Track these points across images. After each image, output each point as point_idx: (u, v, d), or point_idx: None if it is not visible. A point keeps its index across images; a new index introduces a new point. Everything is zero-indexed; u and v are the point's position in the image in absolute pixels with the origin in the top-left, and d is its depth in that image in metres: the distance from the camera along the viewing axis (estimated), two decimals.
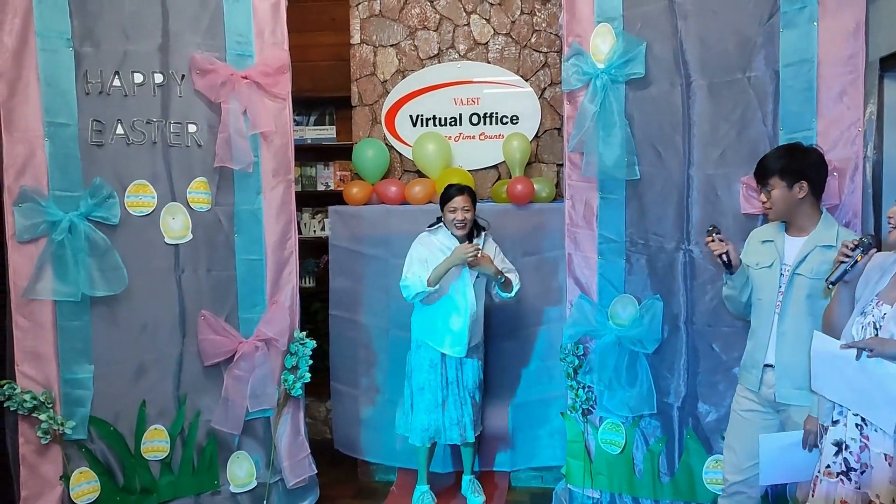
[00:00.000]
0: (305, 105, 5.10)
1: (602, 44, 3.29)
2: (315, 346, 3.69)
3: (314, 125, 5.11)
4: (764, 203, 2.64)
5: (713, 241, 2.69)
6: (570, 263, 3.50)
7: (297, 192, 5.11)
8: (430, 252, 3.56)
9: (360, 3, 4.33)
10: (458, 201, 3.54)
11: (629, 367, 3.32)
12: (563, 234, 3.68)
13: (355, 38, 4.35)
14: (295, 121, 5.13)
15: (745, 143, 2.99)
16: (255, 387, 3.51)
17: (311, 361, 3.67)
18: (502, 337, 4.04)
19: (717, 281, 3.09)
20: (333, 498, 3.93)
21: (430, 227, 3.66)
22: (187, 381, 3.44)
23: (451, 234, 3.60)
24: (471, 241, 3.57)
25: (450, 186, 3.59)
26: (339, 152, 5.05)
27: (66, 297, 3.12)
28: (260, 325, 3.55)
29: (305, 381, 3.65)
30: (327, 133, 5.07)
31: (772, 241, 2.69)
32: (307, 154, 5.10)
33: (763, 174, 2.61)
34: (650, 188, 3.27)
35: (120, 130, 3.26)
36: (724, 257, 2.66)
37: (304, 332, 3.69)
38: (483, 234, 3.69)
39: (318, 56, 5.01)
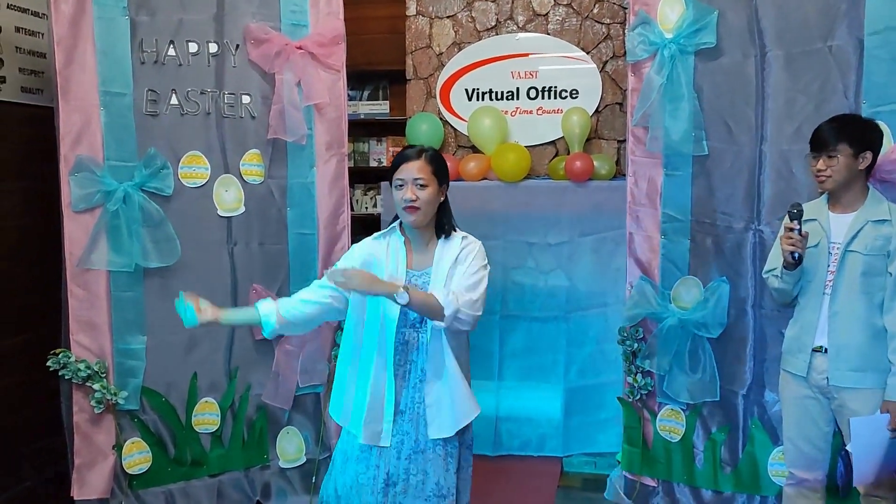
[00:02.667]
0: (359, 79, 5.01)
1: (670, 12, 3.13)
2: None
3: (367, 100, 5.03)
4: (822, 171, 2.49)
5: (795, 231, 2.47)
6: (632, 243, 3.36)
7: (349, 168, 5.11)
8: (365, 255, 2.36)
9: None
10: (410, 170, 2.24)
11: (691, 353, 3.18)
12: (622, 214, 3.54)
13: (411, 9, 4.25)
14: (348, 95, 5.06)
15: (825, 117, 2.78)
16: (306, 362, 3.46)
17: None
18: (555, 319, 3.93)
19: None
20: None
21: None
22: (238, 354, 3.41)
23: (401, 228, 2.38)
24: (443, 237, 2.34)
25: (403, 149, 2.36)
26: (393, 127, 4.97)
27: (119, 267, 3.12)
28: None
29: None
30: (380, 108, 4.98)
31: (815, 219, 2.54)
32: (360, 129, 5.03)
33: (830, 140, 2.46)
34: (719, 165, 3.11)
35: (174, 101, 3.22)
36: (796, 255, 2.48)
37: None
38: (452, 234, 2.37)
39: (373, 29, 4.91)
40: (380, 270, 2.28)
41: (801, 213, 2.47)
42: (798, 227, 2.46)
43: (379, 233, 2.41)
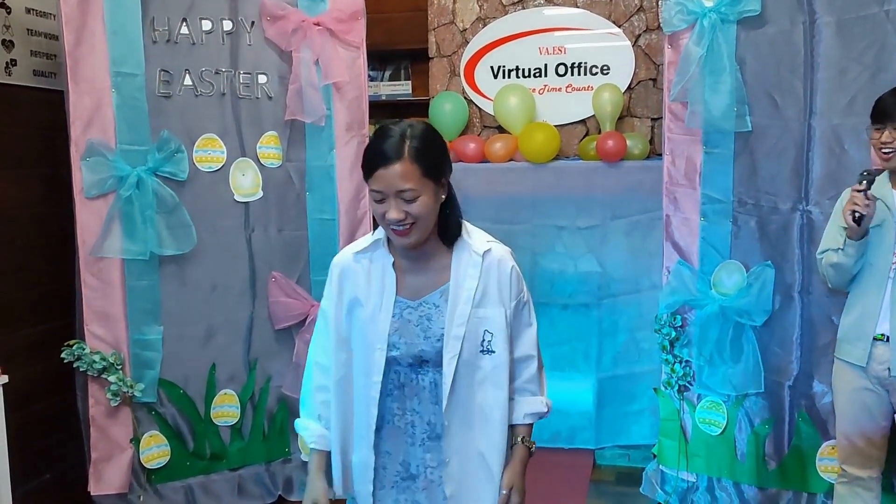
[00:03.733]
0: (380, 59, 4.85)
1: None
2: None
3: (389, 80, 4.86)
4: (887, 144, 2.30)
5: (863, 193, 2.29)
6: (669, 226, 3.18)
7: None
8: (351, 296, 1.71)
9: None
10: (391, 179, 1.54)
11: (734, 341, 3.00)
12: (657, 195, 3.37)
13: None
14: (369, 76, 4.91)
15: (881, 87, 2.57)
16: None
17: None
18: (586, 306, 3.76)
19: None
20: None
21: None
22: (258, 344, 3.30)
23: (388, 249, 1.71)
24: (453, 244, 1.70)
25: (376, 139, 1.59)
26: (415, 108, 4.79)
27: (134, 255, 3.01)
28: None
29: None
30: (402, 89, 4.82)
31: (878, 198, 2.35)
32: (381, 111, 4.86)
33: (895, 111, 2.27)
34: (763, 141, 2.91)
35: (188, 81, 3.10)
36: (857, 214, 2.29)
37: None
38: (481, 250, 1.70)
39: (393, 7, 4.74)
40: (363, 311, 1.68)
41: (873, 177, 2.30)
42: (866, 188, 2.28)
43: (360, 246, 1.73)
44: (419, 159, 1.54)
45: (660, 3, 3.75)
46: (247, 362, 3.29)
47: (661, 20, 3.13)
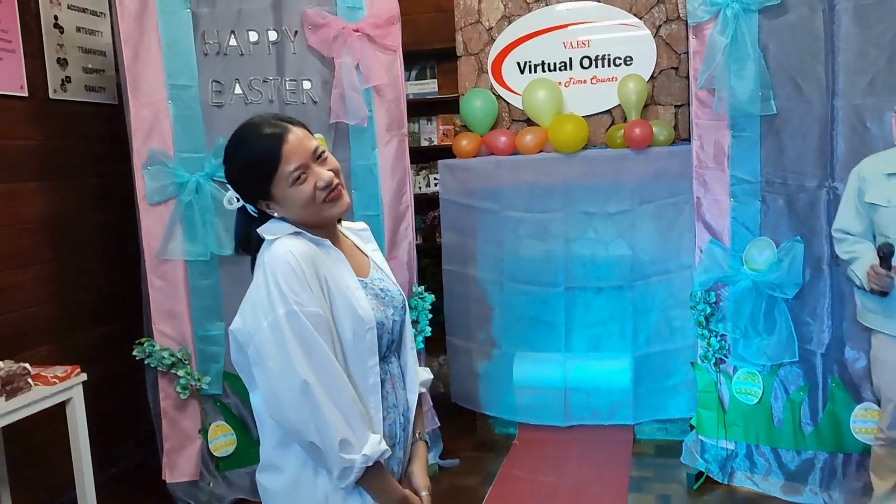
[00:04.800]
0: (406, 59, 5.00)
1: None
2: (433, 300, 3.67)
3: (415, 80, 5.04)
4: None
5: (884, 270, 2.43)
6: (699, 207, 3.34)
7: None
8: (329, 277, 1.50)
9: None
10: (301, 146, 1.48)
11: (767, 314, 3.16)
12: (683, 179, 3.53)
13: None
14: None
15: None
16: None
17: (430, 315, 3.66)
18: (619, 289, 3.92)
19: None
20: (455, 451, 3.94)
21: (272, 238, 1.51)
22: None
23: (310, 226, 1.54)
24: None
25: (251, 129, 1.50)
26: (442, 106, 4.98)
27: (196, 256, 3.20)
28: None
29: (426, 335, 3.64)
30: (429, 87, 5.00)
31: None
32: (409, 109, 5.01)
33: None
34: (788, 123, 3.07)
35: (238, 90, 3.28)
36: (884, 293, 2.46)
37: (423, 287, 3.67)
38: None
39: (418, 8, 4.92)
40: (341, 297, 1.50)
41: (891, 249, 2.42)
42: (889, 270, 2.42)
43: (294, 242, 1.46)
44: (300, 124, 1.53)
45: None
46: None
47: (686, 12, 3.28)
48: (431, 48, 4.81)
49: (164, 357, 3.16)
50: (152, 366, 3.18)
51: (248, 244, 1.58)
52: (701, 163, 3.30)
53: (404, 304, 1.66)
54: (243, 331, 1.48)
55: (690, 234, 3.52)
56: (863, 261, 2.55)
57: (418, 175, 5.09)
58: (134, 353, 3.16)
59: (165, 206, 3.17)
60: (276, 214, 1.52)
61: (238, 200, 1.54)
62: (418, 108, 5.05)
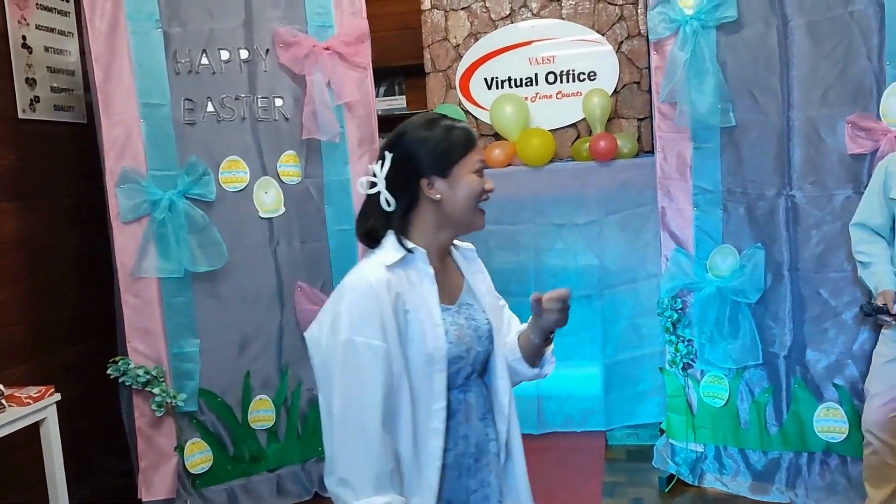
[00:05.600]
0: (374, 76, 5.08)
1: None
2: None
3: (383, 96, 5.09)
4: None
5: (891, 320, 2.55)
6: (664, 217, 3.45)
7: None
8: (405, 303, 1.44)
9: None
10: (481, 149, 1.80)
11: (731, 319, 3.26)
12: (648, 190, 3.64)
13: (426, 3, 4.32)
14: None
15: (850, 81, 2.90)
16: None
17: None
18: (588, 298, 4.01)
19: (823, 225, 3.04)
20: None
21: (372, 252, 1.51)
22: (288, 351, 3.49)
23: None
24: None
25: (458, 129, 1.51)
26: None
27: (170, 273, 3.20)
28: None
29: None
30: (397, 104, 5.05)
31: None
32: (378, 125, 5.09)
33: None
34: (747, 134, 3.19)
35: (210, 108, 3.30)
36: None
37: None
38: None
39: (385, 26, 4.97)
40: (415, 328, 1.43)
41: (876, 308, 2.56)
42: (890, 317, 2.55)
43: (389, 260, 1.44)
44: None
45: (638, 11, 4.05)
46: (279, 368, 3.48)
47: (646, 28, 3.40)
48: (399, 65, 4.87)
49: (138, 375, 3.15)
50: (127, 384, 3.17)
51: (369, 238, 1.52)
52: (664, 174, 3.41)
53: (490, 334, 1.56)
54: (313, 338, 1.46)
55: (656, 244, 3.62)
56: (876, 273, 2.64)
57: None
58: (108, 371, 3.14)
59: (138, 224, 3.17)
60: (435, 197, 1.45)
61: (374, 186, 1.48)
62: (387, 124, 5.08)
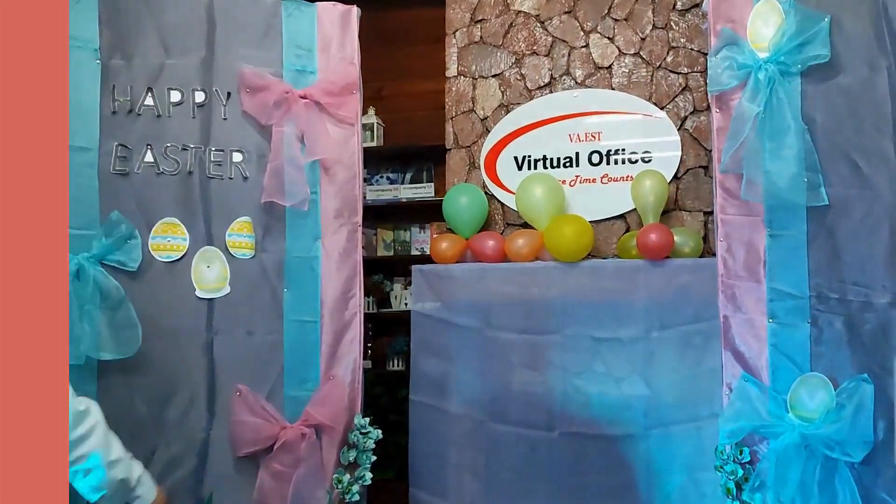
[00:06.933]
0: (401, 160, 4.47)
1: (764, 26, 2.43)
2: (380, 437, 2.85)
3: (410, 183, 4.45)
4: None
5: None
6: (727, 331, 2.52)
7: (388, 259, 4.47)
8: None
9: (457, 30, 3.69)
10: None
11: (823, 483, 2.24)
12: (714, 298, 2.73)
13: (451, 69, 3.69)
14: (388, 178, 4.51)
15: None
16: (300, 487, 2.68)
17: (374, 458, 2.83)
18: (630, 439, 3.03)
19: None
20: None
21: None
22: (214, 475, 2.66)
23: None
24: None
25: None
26: (438, 211, 4.34)
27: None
28: (309, 407, 2.76)
29: (365, 484, 2.79)
30: (424, 191, 4.38)
31: None
32: (402, 214, 4.43)
33: None
34: (845, 217, 2.28)
35: (149, 157, 2.68)
36: None
37: (368, 420, 2.86)
38: None
39: (415, 105, 4.41)
40: None
41: None
42: None
43: None
44: None
45: (706, 81, 3.26)
46: (199, 496, 2.64)
47: (707, 79, 2.60)
48: (428, 145, 4.23)
49: None
50: None
51: None
52: (729, 271, 2.51)
53: None
54: None
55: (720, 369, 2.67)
56: None
57: (406, 289, 4.39)
58: None
59: None
60: None
61: None
62: (412, 214, 4.43)
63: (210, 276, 2.71)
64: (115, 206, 2.58)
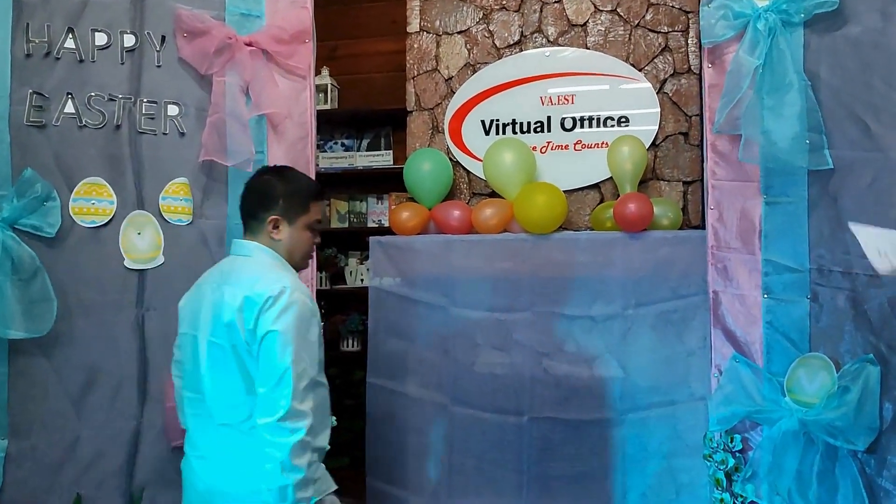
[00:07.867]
0: (357, 125, 4.17)
1: None
2: (335, 423, 2.58)
3: (367, 150, 4.14)
4: None
5: None
6: (717, 307, 2.32)
7: (342, 232, 4.18)
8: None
9: None
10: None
11: (823, 473, 2.06)
12: (696, 275, 2.54)
13: (413, 25, 3.40)
14: (343, 145, 4.21)
15: None
16: None
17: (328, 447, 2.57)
18: (605, 424, 2.82)
19: None
20: None
21: None
22: (145, 468, 2.40)
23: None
24: None
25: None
26: (397, 181, 4.06)
27: None
28: None
29: None
30: (382, 159, 4.08)
31: None
32: (358, 183, 4.14)
33: None
34: (852, 183, 2.09)
35: (70, 108, 2.36)
36: None
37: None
38: None
39: (372, 66, 4.12)
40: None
41: None
42: None
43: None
44: None
45: (688, 41, 3.05)
46: (128, 492, 2.35)
47: (700, 30, 2.36)
48: (386, 109, 3.93)
49: None
50: None
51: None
52: (719, 242, 2.30)
53: None
54: None
55: (706, 350, 2.47)
56: None
57: (362, 264, 4.10)
58: None
59: None
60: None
61: None
62: (369, 183, 4.14)
63: (141, 244, 2.41)
64: (29, 163, 2.28)
